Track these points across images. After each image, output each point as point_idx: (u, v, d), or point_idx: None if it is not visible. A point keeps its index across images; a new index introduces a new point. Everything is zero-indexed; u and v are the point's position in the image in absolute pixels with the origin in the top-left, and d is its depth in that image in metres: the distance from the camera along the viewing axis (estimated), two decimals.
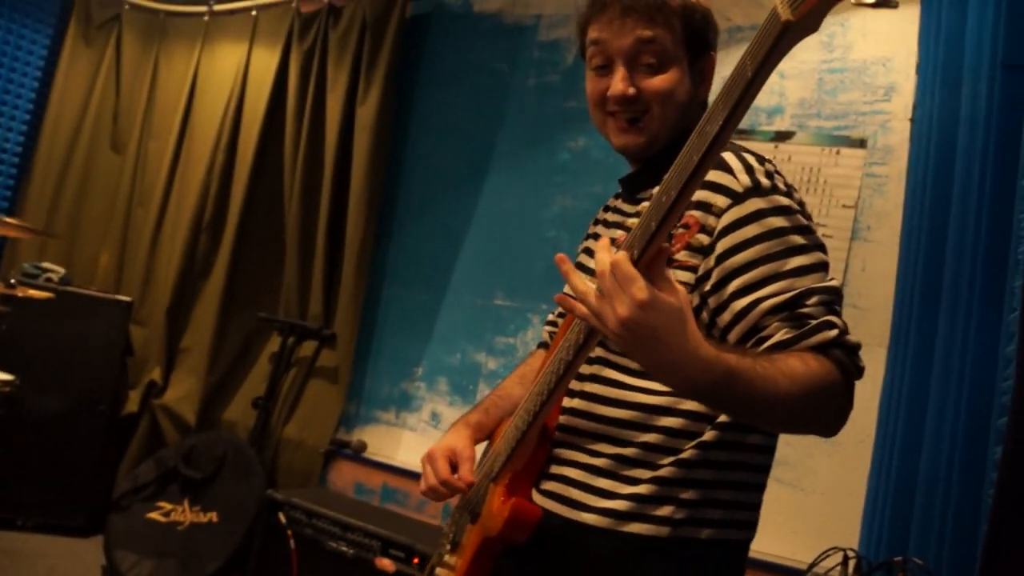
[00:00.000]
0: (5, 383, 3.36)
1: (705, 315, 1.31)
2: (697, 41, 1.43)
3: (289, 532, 3.18)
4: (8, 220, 3.42)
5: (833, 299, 1.25)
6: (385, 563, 2.94)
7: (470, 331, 3.70)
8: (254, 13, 4.67)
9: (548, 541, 1.37)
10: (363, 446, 3.80)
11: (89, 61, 4.99)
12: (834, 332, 1.21)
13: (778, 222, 1.28)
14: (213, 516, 3.71)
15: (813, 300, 1.23)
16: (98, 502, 4.24)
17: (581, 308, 1.10)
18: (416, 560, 2.88)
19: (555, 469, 1.41)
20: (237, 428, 4.16)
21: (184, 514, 3.76)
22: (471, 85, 3.95)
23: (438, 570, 1.56)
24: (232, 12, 4.85)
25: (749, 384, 1.11)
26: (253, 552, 3.32)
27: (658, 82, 1.39)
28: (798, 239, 1.27)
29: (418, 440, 3.76)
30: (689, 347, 1.06)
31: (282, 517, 3.21)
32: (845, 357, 1.21)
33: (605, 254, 1.06)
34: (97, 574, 3.73)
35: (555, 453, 1.42)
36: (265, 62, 4.53)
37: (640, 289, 1.02)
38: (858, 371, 1.24)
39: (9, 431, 3.93)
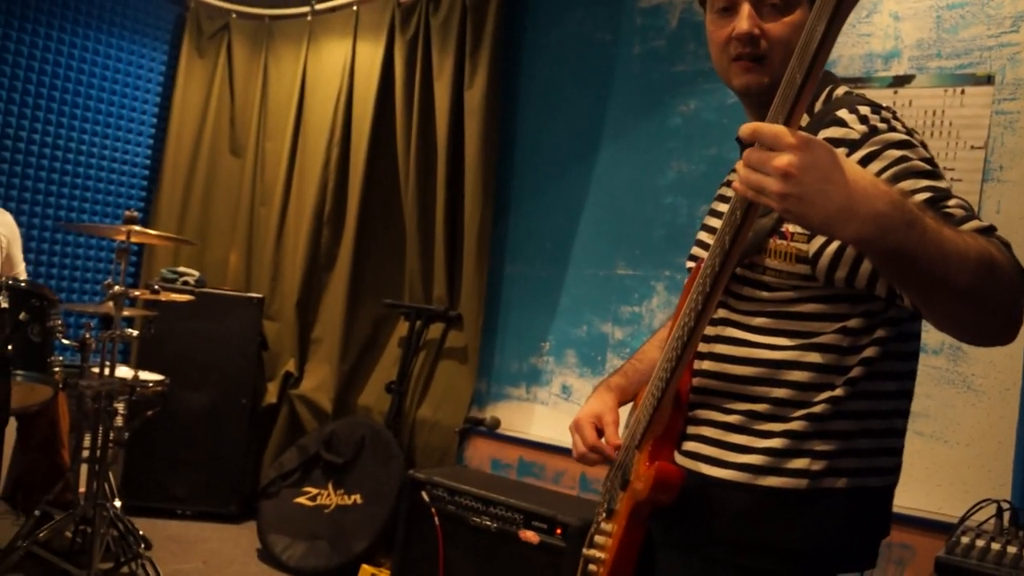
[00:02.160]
0: (159, 383, 3.55)
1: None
2: None
3: (433, 510, 3.26)
4: (148, 231, 3.59)
5: (972, 210, 1.20)
6: (529, 535, 2.99)
7: (594, 303, 3.72)
8: (355, 8, 4.77)
9: (690, 500, 1.39)
10: (497, 422, 3.88)
11: (204, 71, 5.20)
12: (987, 222, 1.15)
13: (899, 152, 1.25)
14: (357, 498, 3.85)
15: (953, 202, 1.19)
16: (247, 490, 4.49)
17: (738, 185, 1.06)
18: (559, 531, 2.92)
19: (692, 430, 1.43)
20: (373, 412, 4.30)
21: (329, 497, 3.92)
22: (576, 58, 3.94)
23: (597, 537, 1.59)
24: (333, 10, 4.97)
25: (937, 230, 1.03)
26: (399, 530, 3.41)
27: (781, 27, 1.38)
28: (924, 165, 1.24)
29: (550, 413, 3.81)
30: (866, 176, 1.03)
31: (425, 495, 3.29)
32: (1004, 247, 1.13)
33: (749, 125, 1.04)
34: (253, 557, 3.93)
35: (691, 415, 1.44)
36: (370, 55, 4.63)
37: (790, 134, 0.99)
38: (1020, 267, 1.13)
39: (164, 428, 4.19)
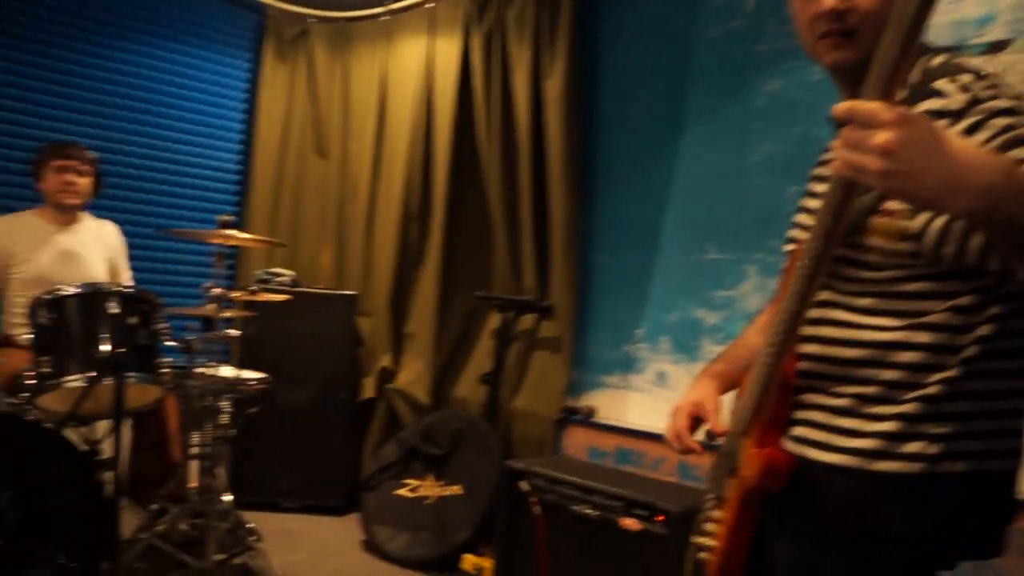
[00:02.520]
0: (260, 381, 3.65)
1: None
2: None
3: (532, 499, 3.28)
4: (242, 234, 3.69)
5: None
6: (630, 523, 2.98)
7: (686, 288, 3.69)
8: (430, 6, 4.81)
9: (800, 485, 1.37)
10: (593, 411, 3.88)
11: (285, 76, 5.32)
12: None
13: (1006, 121, 1.20)
14: (457, 489, 3.91)
15: None
16: (349, 483, 4.58)
17: (837, 165, 1.04)
18: (660, 518, 2.90)
19: (800, 415, 1.41)
20: (468, 404, 4.35)
21: (430, 489, 3.99)
22: (654, 43, 3.91)
23: (707, 525, 1.58)
24: (408, 8, 5.03)
25: None
26: (499, 520, 3.44)
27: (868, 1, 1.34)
28: None
29: (645, 401, 3.80)
30: (970, 147, 1.00)
31: (524, 485, 3.32)
32: None
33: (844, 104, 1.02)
34: (357, 548, 4.02)
35: (798, 399, 1.42)
36: (447, 51, 4.67)
37: (887, 110, 0.96)
38: None
39: (266, 424, 4.32)
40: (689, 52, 3.78)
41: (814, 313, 1.40)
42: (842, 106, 1.01)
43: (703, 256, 3.64)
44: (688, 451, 1.62)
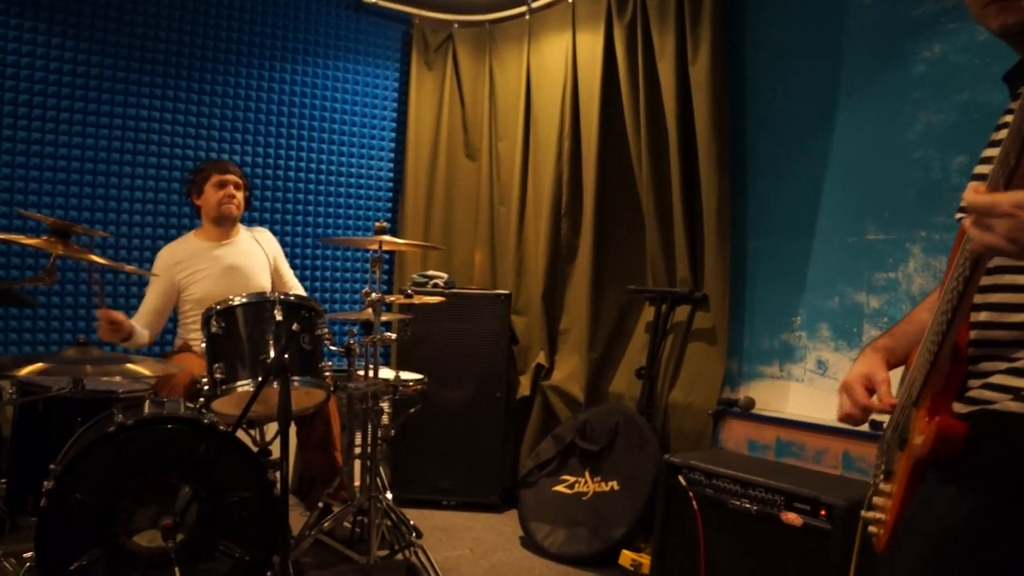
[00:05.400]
0: (418, 382, 3.74)
1: None
2: None
3: (690, 493, 3.22)
4: (398, 240, 3.78)
5: None
6: (791, 517, 2.88)
7: (845, 272, 3.51)
8: (570, 1, 4.80)
9: (980, 447, 1.31)
10: (751, 403, 3.76)
11: (433, 82, 5.44)
12: None
13: None
14: (614, 484, 3.88)
15: None
16: (507, 480, 4.64)
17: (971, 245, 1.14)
18: (823, 512, 2.79)
19: (975, 382, 1.36)
20: (624, 399, 4.31)
21: (587, 485, 3.98)
22: (803, 17, 3.74)
23: (875, 499, 1.55)
24: (550, 5, 5.05)
25: None
26: (657, 515, 3.39)
27: None
28: None
29: (806, 391, 3.64)
30: None
31: (682, 479, 3.26)
32: None
33: (969, 195, 1.11)
34: (516, 544, 4.05)
35: (972, 368, 1.37)
36: (590, 44, 4.65)
37: (1003, 203, 1.06)
38: None
39: (425, 424, 4.44)
40: (841, 23, 3.59)
41: (985, 280, 1.35)
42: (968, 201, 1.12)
43: (862, 237, 3.45)
44: (877, 412, 1.58)
